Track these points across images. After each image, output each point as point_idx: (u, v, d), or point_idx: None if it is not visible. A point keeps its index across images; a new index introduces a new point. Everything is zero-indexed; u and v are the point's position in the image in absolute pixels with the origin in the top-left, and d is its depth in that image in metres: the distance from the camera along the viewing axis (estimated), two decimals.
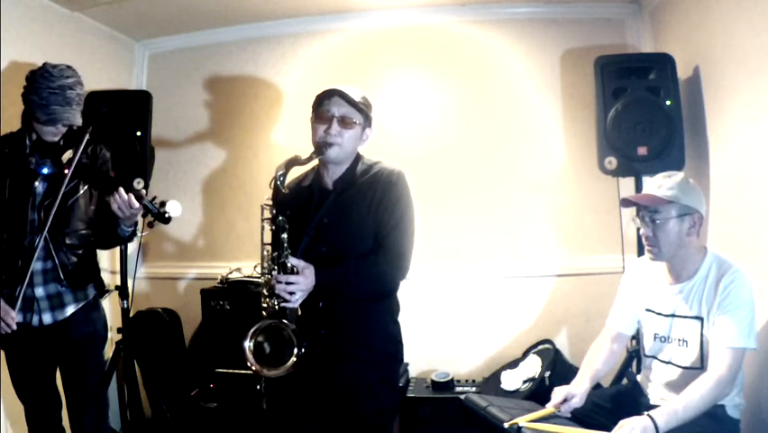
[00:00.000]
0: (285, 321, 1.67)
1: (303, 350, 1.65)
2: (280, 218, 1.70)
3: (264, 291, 1.72)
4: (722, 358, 1.71)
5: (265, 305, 1.71)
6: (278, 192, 1.74)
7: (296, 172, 1.88)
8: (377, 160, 1.93)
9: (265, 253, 1.74)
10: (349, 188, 1.85)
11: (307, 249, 1.79)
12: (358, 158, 1.91)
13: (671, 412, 1.65)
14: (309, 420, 1.87)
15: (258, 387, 1.86)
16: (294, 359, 1.65)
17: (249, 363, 1.69)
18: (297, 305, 1.69)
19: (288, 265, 1.68)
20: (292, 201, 1.82)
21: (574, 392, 1.92)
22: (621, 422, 1.65)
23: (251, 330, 1.70)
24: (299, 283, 1.66)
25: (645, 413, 1.64)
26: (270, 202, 1.75)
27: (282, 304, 1.68)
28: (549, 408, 1.91)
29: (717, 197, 2.43)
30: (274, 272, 1.68)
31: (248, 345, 1.69)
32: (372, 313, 1.85)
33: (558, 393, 1.93)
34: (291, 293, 1.66)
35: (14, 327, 1.95)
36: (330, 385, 1.82)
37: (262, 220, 1.75)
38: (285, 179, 1.74)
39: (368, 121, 1.89)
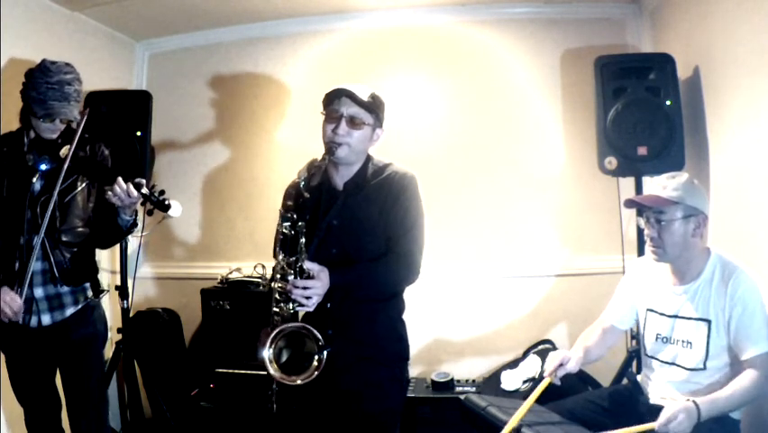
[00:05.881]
0: (308, 326, 1.64)
1: (325, 354, 1.62)
2: (300, 223, 1.68)
3: (276, 296, 1.70)
4: (753, 367, 1.70)
5: (277, 309, 1.69)
6: (298, 197, 1.72)
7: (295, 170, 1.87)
8: (388, 161, 1.90)
9: (279, 257, 1.71)
10: (359, 190, 1.83)
11: (317, 251, 1.77)
12: (368, 159, 1.89)
13: (712, 400, 1.65)
14: (320, 421, 1.86)
15: (269, 392, 1.83)
16: (316, 364, 1.63)
17: (271, 373, 1.65)
18: (312, 309, 1.68)
19: (305, 269, 1.66)
20: (301, 202, 1.78)
21: (569, 355, 1.93)
22: (667, 407, 1.65)
23: (271, 337, 1.65)
24: (316, 288, 1.65)
25: (689, 398, 1.65)
26: (291, 205, 1.73)
27: (297, 308, 1.67)
28: (546, 378, 1.92)
29: (716, 197, 2.42)
30: (290, 277, 1.66)
31: (268, 354, 1.65)
32: (381, 313, 1.85)
33: (553, 358, 1.95)
34: (308, 297, 1.64)
35: (20, 315, 1.94)
36: (339, 385, 1.81)
37: (280, 225, 1.72)
38: (308, 184, 1.72)
39: (378, 121, 1.85)
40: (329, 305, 1.78)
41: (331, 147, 1.76)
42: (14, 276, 1.96)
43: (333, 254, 1.79)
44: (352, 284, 1.74)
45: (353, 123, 1.78)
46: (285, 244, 1.70)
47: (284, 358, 1.69)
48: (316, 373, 1.63)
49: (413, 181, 1.85)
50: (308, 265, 1.66)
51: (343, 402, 1.83)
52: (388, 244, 1.80)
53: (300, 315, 1.79)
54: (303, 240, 1.68)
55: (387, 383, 1.84)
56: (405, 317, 1.94)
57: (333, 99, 1.80)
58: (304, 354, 1.66)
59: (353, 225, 1.80)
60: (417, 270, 1.82)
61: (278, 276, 1.69)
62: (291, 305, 1.67)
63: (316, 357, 1.63)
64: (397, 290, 1.89)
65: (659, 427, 1.62)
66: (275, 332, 1.66)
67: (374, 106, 1.81)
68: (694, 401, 1.63)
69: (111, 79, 3.31)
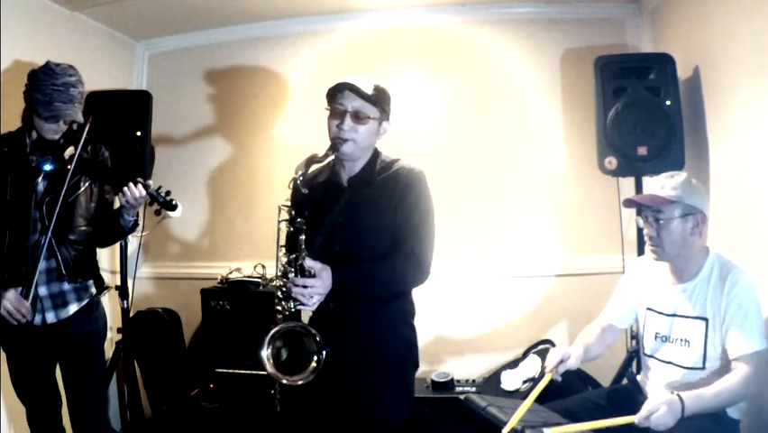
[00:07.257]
0: (306, 325, 1.63)
1: (324, 355, 1.60)
2: (299, 220, 1.66)
3: (278, 294, 1.68)
4: (743, 365, 1.70)
5: (279, 308, 1.67)
6: (296, 193, 1.70)
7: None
8: (396, 157, 1.85)
9: (280, 254, 1.70)
10: (366, 186, 1.79)
11: (320, 248, 1.73)
12: (376, 154, 1.84)
13: (698, 395, 1.65)
14: (321, 423, 1.84)
15: (272, 391, 1.82)
16: (314, 365, 1.61)
17: (269, 372, 1.63)
18: (314, 308, 1.66)
19: (306, 267, 1.63)
20: (306, 198, 1.75)
21: (570, 352, 1.93)
22: (649, 399, 1.64)
23: (269, 336, 1.63)
24: (317, 286, 1.62)
25: (674, 392, 1.65)
26: (288, 203, 1.72)
27: (298, 307, 1.65)
28: (547, 374, 1.92)
29: (716, 197, 2.42)
30: (291, 275, 1.64)
31: (266, 353, 1.63)
32: (383, 314, 1.80)
33: (554, 355, 1.94)
34: (309, 296, 1.62)
35: (29, 317, 1.97)
36: (338, 387, 1.78)
37: (279, 222, 1.71)
38: (305, 180, 1.70)
39: (384, 114, 1.79)
40: (332, 305, 1.74)
41: (336, 143, 1.72)
42: (22, 276, 1.97)
43: (336, 252, 1.75)
44: (356, 283, 1.70)
45: (358, 117, 1.73)
46: (286, 240, 1.69)
47: (283, 357, 1.68)
48: (315, 373, 1.61)
49: (421, 177, 1.80)
50: (310, 264, 1.63)
51: (343, 404, 1.80)
52: (395, 241, 1.76)
53: (304, 315, 1.78)
54: (303, 237, 1.65)
55: (384, 387, 1.78)
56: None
57: (336, 94, 1.75)
58: (303, 353, 1.64)
59: (358, 222, 1.76)
60: (426, 269, 1.78)
61: (280, 273, 1.68)
62: (292, 303, 1.65)
63: (315, 357, 1.61)
64: (403, 289, 1.84)
65: (639, 419, 1.61)
66: (272, 331, 1.64)
67: (379, 99, 1.75)
68: (678, 395, 1.63)
69: (111, 79, 3.31)
